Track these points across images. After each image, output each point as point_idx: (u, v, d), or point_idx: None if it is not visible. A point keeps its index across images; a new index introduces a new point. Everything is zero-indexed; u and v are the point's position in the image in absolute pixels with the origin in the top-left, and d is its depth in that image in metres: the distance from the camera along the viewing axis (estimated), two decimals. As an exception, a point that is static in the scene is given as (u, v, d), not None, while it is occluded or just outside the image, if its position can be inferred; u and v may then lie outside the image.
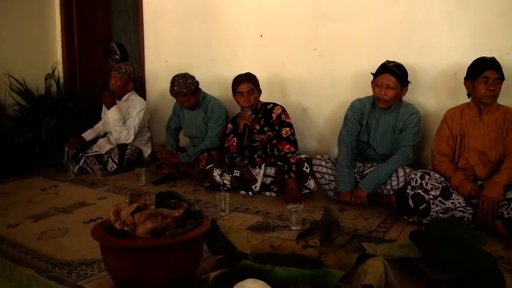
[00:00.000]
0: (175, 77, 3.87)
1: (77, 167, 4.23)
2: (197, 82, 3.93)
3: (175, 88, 3.83)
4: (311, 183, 3.33)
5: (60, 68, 5.66)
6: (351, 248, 2.13)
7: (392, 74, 3.05)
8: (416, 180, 2.74)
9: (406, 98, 3.23)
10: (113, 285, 1.97)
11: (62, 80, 5.57)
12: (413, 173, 2.81)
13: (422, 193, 2.71)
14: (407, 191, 2.77)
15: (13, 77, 5.06)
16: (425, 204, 2.70)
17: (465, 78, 2.88)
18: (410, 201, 2.74)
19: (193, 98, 3.91)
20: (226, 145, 3.64)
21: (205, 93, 4.06)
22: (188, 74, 3.89)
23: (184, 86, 3.81)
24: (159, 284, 1.82)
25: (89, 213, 3.12)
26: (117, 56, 4.88)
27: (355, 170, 3.28)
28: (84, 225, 2.86)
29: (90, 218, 2.99)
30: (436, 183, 2.71)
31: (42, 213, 3.14)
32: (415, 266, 1.98)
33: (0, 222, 2.98)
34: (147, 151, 4.47)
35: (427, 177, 2.73)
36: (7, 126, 4.51)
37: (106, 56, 5.04)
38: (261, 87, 3.58)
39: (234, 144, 3.55)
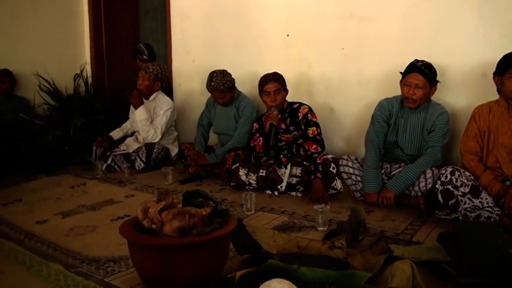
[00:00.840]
0: (213, 72, 3.88)
1: (105, 165, 4.28)
2: (234, 80, 3.94)
3: (212, 84, 3.83)
4: (337, 184, 3.30)
5: (88, 68, 5.75)
6: (378, 250, 2.11)
7: (421, 73, 3.00)
8: (446, 176, 2.70)
9: (435, 97, 3.17)
10: (140, 282, 1.99)
11: (90, 80, 5.65)
12: (443, 168, 2.77)
13: (451, 189, 2.66)
14: (437, 186, 2.74)
15: (42, 77, 5.16)
16: (454, 200, 2.65)
17: (494, 73, 2.82)
18: (439, 197, 2.70)
19: (229, 95, 3.93)
20: (252, 144, 3.64)
21: (239, 91, 4.07)
22: (226, 71, 3.90)
23: (222, 83, 3.82)
24: (186, 282, 1.82)
25: (116, 210, 3.15)
26: (144, 56, 4.93)
27: (383, 171, 3.24)
28: (111, 223, 2.90)
29: (118, 215, 3.02)
30: (466, 180, 2.66)
31: (70, 210, 3.19)
32: (442, 269, 1.95)
33: (29, 218, 3.03)
34: (174, 150, 4.50)
35: (457, 173, 2.68)
36: (36, 125, 4.59)
37: (134, 56, 5.10)
38: (287, 87, 3.57)
39: (260, 143, 3.55)
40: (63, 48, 5.53)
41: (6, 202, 3.40)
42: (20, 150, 4.26)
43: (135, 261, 1.92)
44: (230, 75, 3.91)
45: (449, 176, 2.69)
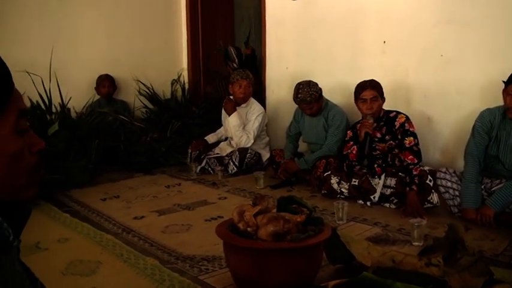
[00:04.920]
0: (299, 84, 3.88)
1: (199, 167, 4.43)
2: (320, 89, 3.92)
3: (299, 96, 3.84)
4: (434, 198, 3.17)
5: (185, 74, 5.94)
6: (477, 271, 2.00)
7: (526, 82, 2.81)
8: None
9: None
10: (233, 283, 2.03)
11: (186, 86, 5.85)
12: None
13: None
14: None
15: (141, 82, 5.41)
16: None
17: None
18: None
19: (316, 105, 3.91)
20: (345, 152, 3.57)
21: (327, 100, 4.04)
22: (312, 81, 3.89)
23: (309, 94, 3.82)
24: (279, 287, 1.84)
25: (210, 211, 3.24)
26: (234, 65, 5.02)
27: (482, 186, 3.05)
28: (205, 223, 2.98)
29: (212, 216, 3.11)
30: None
31: (166, 208, 3.32)
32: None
33: (126, 213, 3.21)
34: (265, 155, 4.55)
35: None
36: (135, 127, 4.83)
37: (224, 61, 5.20)
38: (384, 95, 3.49)
39: (354, 152, 3.47)
40: (161, 56, 5.77)
41: (105, 198, 3.62)
42: (120, 150, 4.50)
43: (229, 262, 1.96)
44: (316, 85, 3.89)
45: None
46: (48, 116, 4.09)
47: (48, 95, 4.15)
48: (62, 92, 4.25)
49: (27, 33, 4.75)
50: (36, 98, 4.08)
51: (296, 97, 3.87)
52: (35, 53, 4.63)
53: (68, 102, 4.30)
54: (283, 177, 4.02)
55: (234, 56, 5.08)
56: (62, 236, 2.76)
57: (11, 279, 0.83)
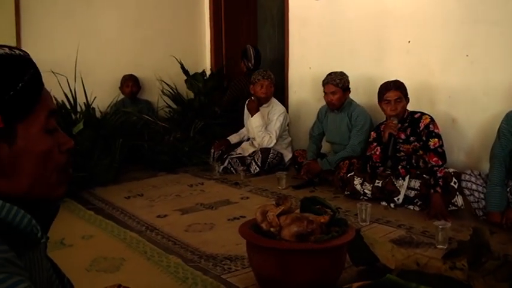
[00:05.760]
0: (332, 72, 3.95)
1: (222, 167, 4.44)
2: (349, 88, 3.95)
3: (329, 76, 3.88)
4: (458, 200, 3.12)
5: (208, 74, 5.95)
6: (502, 276, 1.97)
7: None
8: None
9: None
10: (256, 283, 2.03)
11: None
12: None
13: None
14: None
15: (165, 82, 5.45)
16: None
17: None
18: None
19: (340, 94, 3.89)
20: (368, 153, 3.54)
21: (351, 99, 4.03)
22: (345, 73, 3.95)
23: (339, 78, 3.85)
24: (302, 287, 1.83)
25: (232, 211, 3.25)
26: (250, 65, 5.02)
27: (508, 189, 2.99)
28: (228, 222, 2.99)
29: (234, 215, 3.12)
30: None
31: (189, 207, 3.35)
32: None
33: (150, 212, 3.25)
34: (287, 155, 4.54)
35: None
36: (159, 126, 4.87)
37: (240, 58, 5.20)
38: (408, 96, 3.45)
39: (378, 153, 3.44)
40: (185, 56, 5.77)
41: (128, 196, 3.67)
42: (143, 149, 4.55)
43: (252, 262, 1.97)
44: (348, 78, 3.93)
45: None
46: (73, 115, 4.16)
47: (73, 95, 4.21)
48: (86, 91, 4.31)
49: (54, 33, 4.84)
50: (61, 97, 4.14)
51: (326, 77, 3.91)
52: (61, 53, 4.69)
53: (92, 102, 4.36)
54: (306, 178, 4.00)
55: (252, 56, 5.08)
56: (87, 233, 2.81)
57: (39, 274, 0.85)
